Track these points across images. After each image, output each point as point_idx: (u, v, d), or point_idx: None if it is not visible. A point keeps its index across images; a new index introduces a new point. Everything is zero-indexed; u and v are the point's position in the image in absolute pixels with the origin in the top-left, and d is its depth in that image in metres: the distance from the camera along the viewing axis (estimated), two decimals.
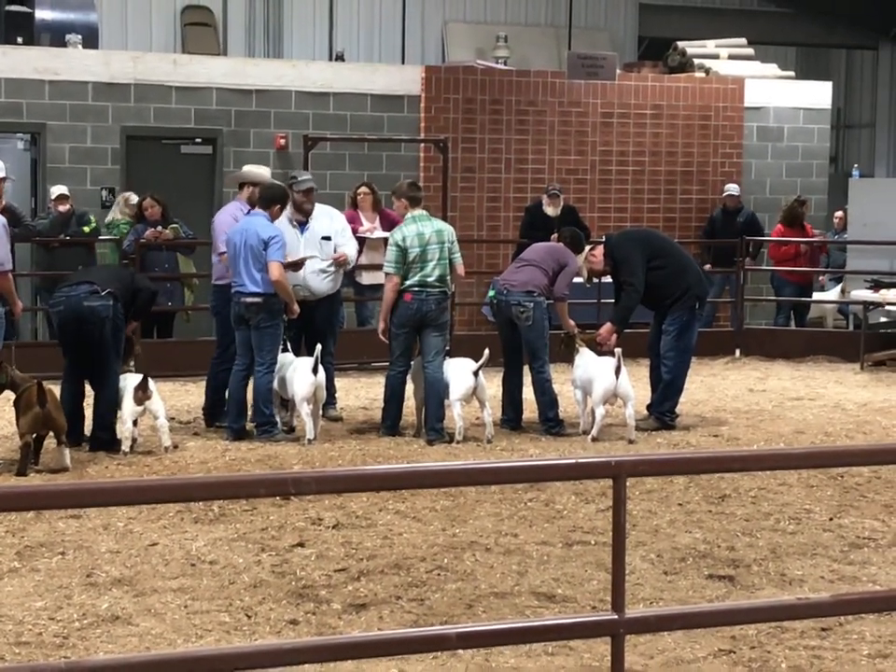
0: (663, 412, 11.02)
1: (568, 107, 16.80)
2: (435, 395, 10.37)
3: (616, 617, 4.46)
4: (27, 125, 14.95)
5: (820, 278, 17.73)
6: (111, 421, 9.83)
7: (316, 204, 11.01)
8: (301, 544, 7.37)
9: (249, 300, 10.25)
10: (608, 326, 10.99)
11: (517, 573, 6.93)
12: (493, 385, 11.13)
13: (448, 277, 10.53)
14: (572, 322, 11.03)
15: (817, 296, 17.14)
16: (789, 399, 12.55)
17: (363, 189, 14.05)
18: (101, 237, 14.12)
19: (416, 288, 10.38)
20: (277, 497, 7.99)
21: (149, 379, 9.69)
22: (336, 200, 13.82)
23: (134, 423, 9.72)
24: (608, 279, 11.62)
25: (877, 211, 16.05)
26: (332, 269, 10.88)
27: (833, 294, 17.04)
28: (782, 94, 17.89)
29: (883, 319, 15.88)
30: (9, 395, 9.41)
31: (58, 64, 14.88)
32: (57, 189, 13.95)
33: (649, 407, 11.13)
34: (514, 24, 20.97)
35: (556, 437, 10.57)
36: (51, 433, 9.18)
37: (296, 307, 10.31)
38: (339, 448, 9.98)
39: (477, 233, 16.38)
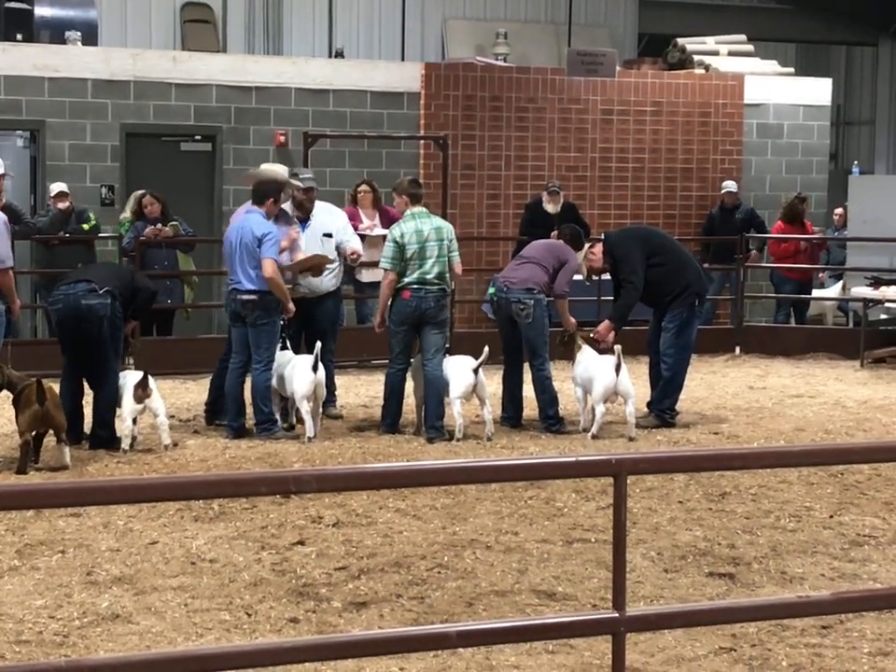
0: (663, 409, 11.02)
1: (568, 104, 16.79)
2: (435, 393, 10.37)
3: (617, 615, 4.45)
4: (27, 122, 14.94)
5: (820, 275, 17.73)
6: (111, 419, 9.83)
7: (316, 202, 11.01)
8: (301, 542, 7.37)
9: (245, 297, 10.25)
10: (606, 323, 11.00)
11: (517, 571, 6.93)
12: (493, 383, 11.13)
13: (447, 275, 10.53)
14: (573, 319, 11.03)
15: (817, 293, 17.13)
16: (789, 397, 12.54)
17: (363, 186, 14.05)
18: (100, 234, 14.12)
19: (415, 286, 10.38)
20: (277, 496, 7.99)
21: (149, 377, 9.69)
22: (336, 197, 13.81)
23: (134, 421, 9.71)
24: (607, 276, 11.62)
25: (877, 208, 16.04)
26: (334, 266, 10.88)
27: (833, 291, 17.04)
28: (782, 91, 17.88)
29: (883, 316, 15.87)
30: (8, 393, 9.41)
31: (57, 61, 14.87)
32: (56, 187, 13.94)
33: (649, 404, 11.13)
34: (514, 21, 20.96)
35: (556, 435, 10.56)
36: (51, 431, 9.17)
37: (291, 306, 10.28)
38: (339, 446, 9.98)
39: (477, 231, 16.38)
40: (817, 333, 15.93)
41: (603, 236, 11.66)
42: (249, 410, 10.46)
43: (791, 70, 19.48)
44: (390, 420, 10.60)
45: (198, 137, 15.67)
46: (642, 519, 7.89)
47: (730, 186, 16.63)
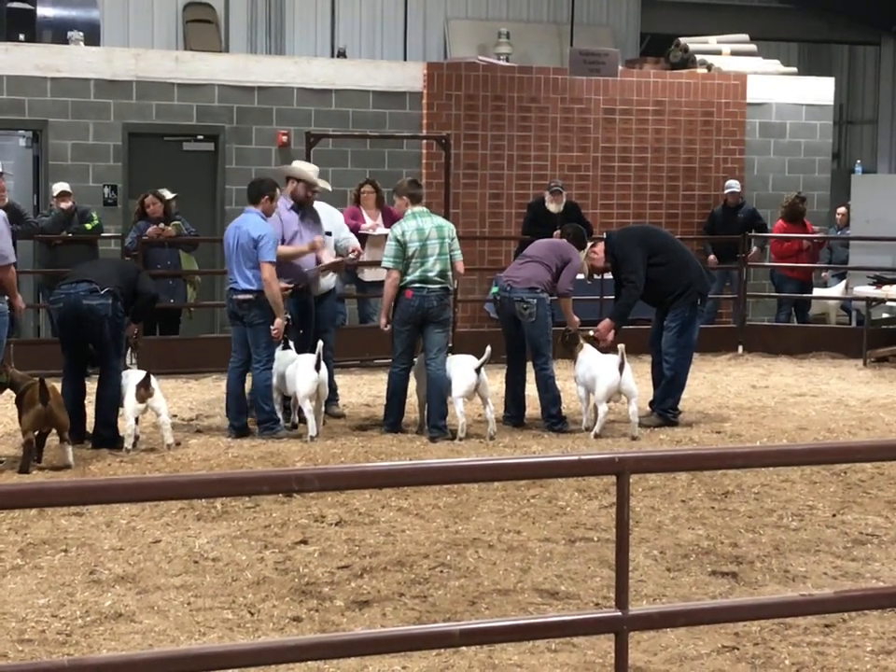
0: (665, 408, 11.02)
1: (571, 104, 16.78)
2: (437, 392, 10.37)
3: (620, 614, 4.45)
4: (29, 122, 14.95)
5: (823, 274, 17.72)
6: (113, 418, 9.84)
7: (315, 202, 11.04)
8: (303, 541, 7.37)
9: (241, 297, 10.26)
10: (606, 322, 11.00)
11: (520, 570, 6.93)
12: (495, 382, 11.13)
13: (449, 273, 10.53)
14: (576, 318, 11.02)
15: (820, 292, 17.12)
16: (791, 396, 12.54)
17: (367, 186, 14.06)
18: (103, 234, 14.12)
19: (417, 285, 10.38)
20: (280, 495, 7.99)
21: (151, 376, 9.69)
22: (339, 197, 13.81)
23: (136, 420, 9.71)
24: (609, 275, 11.62)
25: (880, 207, 16.03)
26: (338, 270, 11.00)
27: (836, 290, 17.03)
28: (785, 90, 17.87)
29: (886, 315, 15.87)
30: (11, 393, 9.42)
31: (60, 61, 14.88)
32: (59, 187, 13.94)
33: (651, 403, 11.13)
34: (516, 21, 20.96)
35: (559, 434, 10.56)
36: (54, 430, 9.18)
37: (279, 319, 10.20)
38: (341, 445, 9.98)
39: (479, 230, 16.38)
40: (819, 332, 15.92)
41: (605, 235, 11.66)
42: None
43: (794, 69, 19.47)
44: (393, 419, 10.60)
45: (200, 137, 15.68)
46: (645, 518, 7.89)
47: (733, 185, 16.62)
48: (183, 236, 13.78)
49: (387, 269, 10.51)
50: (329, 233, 10.98)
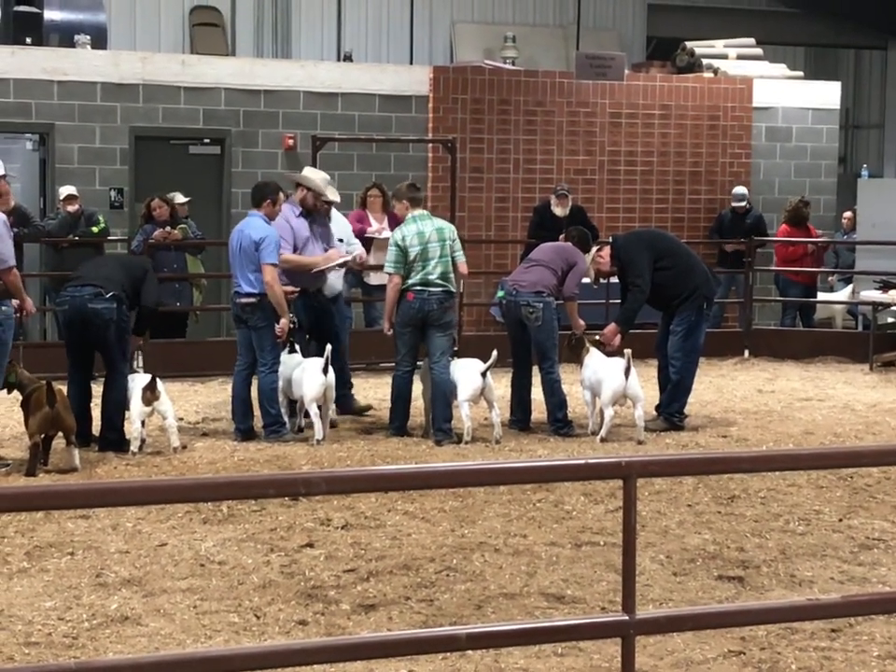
0: (671, 412, 11.01)
1: (577, 108, 16.79)
2: (442, 395, 10.36)
3: (627, 618, 4.45)
4: (36, 125, 14.97)
5: (829, 279, 17.71)
6: (119, 421, 9.84)
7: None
8: (309, 545, 7.37)
9: (245, 300, 10.28)
10: (612, 326, 10.99)
11: (526, 574, 6.92)
12: (501, 386, 11.13)
13: (451, 275, 10.53)
14: (582, 322, 11.02)
15: (826, 296, 17.11)
16: (798, 400, 12.53)
17: (373, 190, 14.06)
18: (109, 237, 14.14)
19: (418, 287, 10.39)
20: (286, 498, 7.99)
21: (157, 379, 9.70)
22: (345, 200, 13.79)
23: (143, 423, 9.72)
24: (615, 279, 11.62)
25: (886, 211, 16.02)
26: (342, 267, 11.03)
27: (842, 295, 17.01)
28: (791, 94, 17.86)
29: (891, 320, 15.84)
30: (18, 395, 9.43)
31: (66, 65, 14.90)
32: (66, 190, 13.96)
33: (657, 408, 11.12)
34: (522, 25, 20.96)
35: (565, 438, 10.55)
36: (60, 433, 9.18)
37: (284, 320, 10.22)
38: (347, 449, 9.98)
39: (485, 234, 16.38)
40: (826, 337, 15.90)
41: (611, 239, 11.65)
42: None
43: (800, 73, 19.46)
44: (398, 423, 10.60)
45: (206, 140, 15.69)
46: (651, 522, 7.88)
47: (739, 194, 16.54)
48: (189, 239, 13.79)
49: (389, 274, 10.53)
50: (341, 240, 11.07)
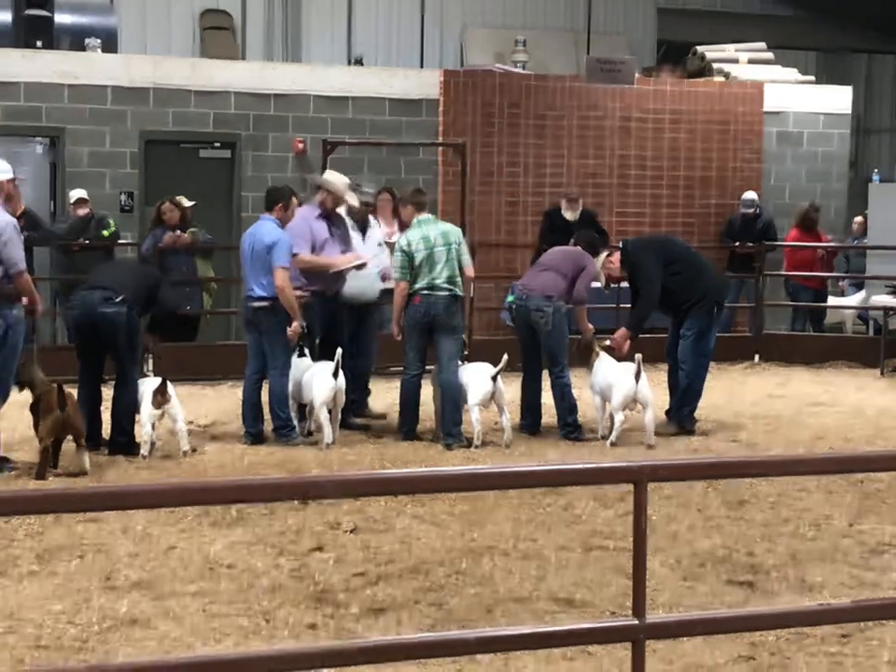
0: (682, 417, 11.00)
1: (587, 112, 16.78)
2: (451, 399, 10.36)
3: (637, 622, 4.44)
4: (46, 129, 14.99)
5: (840, 284, 17.67)
6: (129, 425, 9.85)
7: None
8: (319, 548, 7.37)
9: (257, 304, 10.29)
10: (622, 331, 10.97)
11: (536, 578, 6.91)
12: (511, 390, 11.12)
13: (458, 279, 10.52)
14: (591, 326, 11.01)
15: (837, 301, 17.07)
16: (808, 405, 12.50)
17: (383, 194, 14.04)
18: (120, 241, 14.16)
19: (425, 291, 10.41)
20: (295, 502, 7.99)
21: (167, 383, 9.70)
22: None
23: (153, 426, 9.72)
24: (626, 284, 11.60)
25: None
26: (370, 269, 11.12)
27: (853, 300, 16.98)
28: (802, 99, 17.84)
29: None
30: (27, 399, 9.45)
31: (77, 68, 14.93)
32: (76, 193, 13.99)
33: (668, 412, 11.11)
34: (533, 29, 20.96)
35: (575, 442, 10.55)
36: (70, 437, 9.19)
37: (296, 322, 10.23)
38: (357, 452, 9.98)
39: (495, 237, 16.37)
40: (836, 342, 15.88)
41: (621, 244, 11.64)
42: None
43: (812, 78, 19.42)
44: (407, 427, 10.60)
45: (217, 144, 15.71)
46: (661, 526, 7.87)
47: (749, 199, 16.51)
48: (199, 243, 13.81)
49: (395, 280, 10.53)
50: (381, 244, 11.16)
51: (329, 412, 10.19)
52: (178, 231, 13.58)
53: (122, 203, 15.16)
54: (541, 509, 8.27)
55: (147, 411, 9.65)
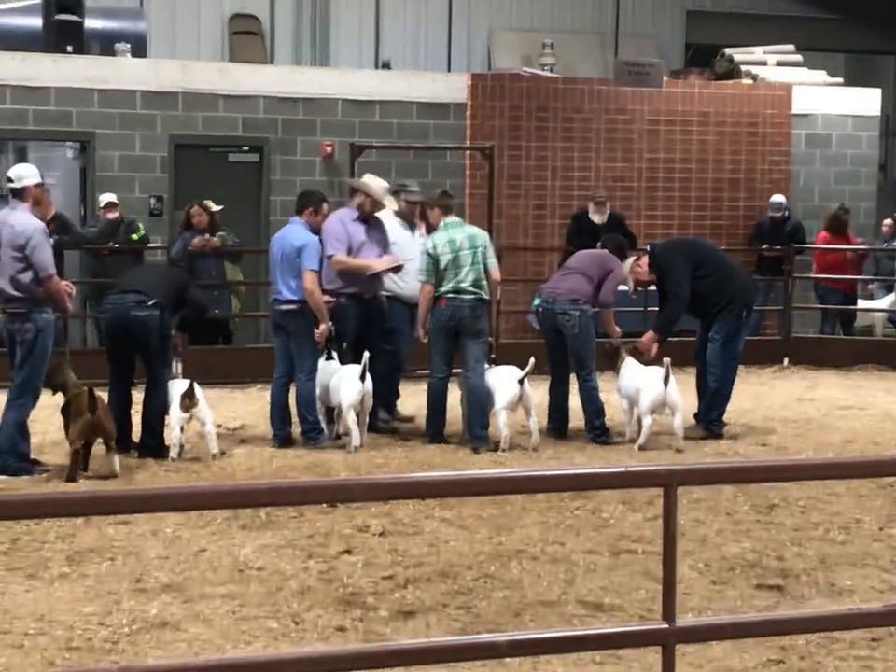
0: (710, 420, 10.97)
1: (615, 114, 16.76)
2: (477, 402, 10.36)
3: (667, 626, 4.43)
4: (76, 133, 15.07)
5: (870, 287, 17.60)
6: (159, 428, 9.89)
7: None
8: (348, 551, 7.38)
9: (284, 307, 10.32)
10: (649, 334, 10.94)
11: (564, 582, 6.91)
12: (539, 394, 11.11)
13: (484, 283, 10.52)
14: (618, 329, 10.99)
15: (867, 304, 16.99)
16: (837, 409, 12.45)
17: None
18: (149, 244, 14.22)
19: (450, 295, 10.41)
20: (324, 505, 8.01)
21: (196, 386, 9.74)
22: None
23: (181, 429, 9.76)
24: (653, 287, 11.58)
25: None
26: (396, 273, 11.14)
27: (883, 303, 16.90)
28: (831, 101, 17.78)
29: None
30: (58, 402, 9.50)
31: (107, 73, 15.00)
32: (106, 197, 14.06)
33: (696, 416, 11.08)
34: (560, 32, 20.94)
35: (603, 445, 10.53)
36: (100, 440, 9.23)
37: (324, 325, 10.25)
38: (385, 456, 9.99)
39: (522, 241, 16.37)
40: (866, 345, 15.81)
41: (649, 248, 11.62)
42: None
43: (840, 80, 19.35)
44: (434, 430, 10.60)
45: (245, 148, 15.76)
46: (690, 531, 7.85)
47: (777, 203, 16.46)
48: (228, 247, 13.85)
49: (421, 282, 10.54)
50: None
51: (357, 415, 10.20)
52: (207, 235, 13.63)
53: (152, 206, 15.21)
54: (569, 512, 8.26)
55: (175, 414, 9.69)
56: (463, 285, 10.40)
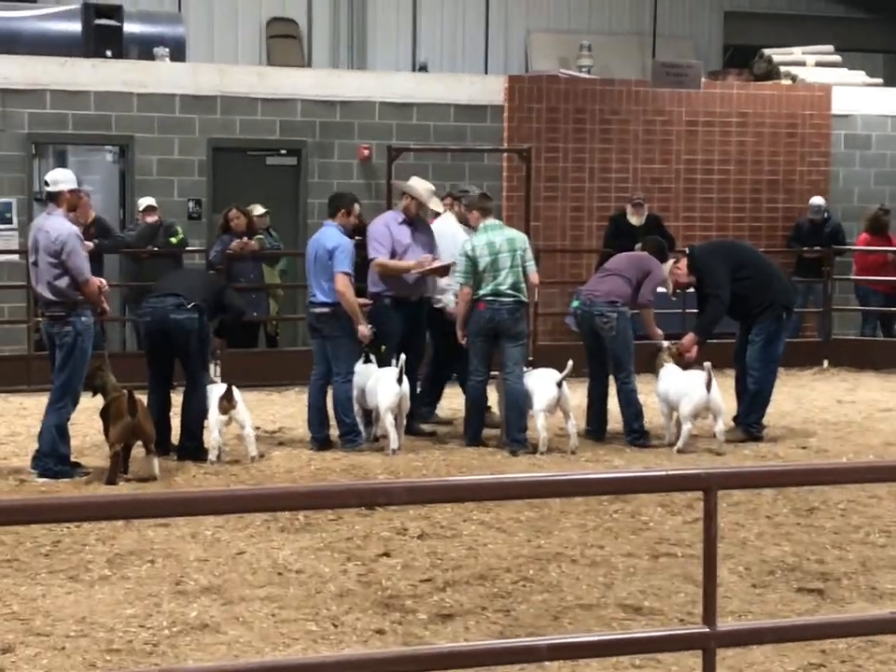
0: (750, 423, 10.92)
1: (653, 116, 16.70)
2: (515, 405, 10.35)
3: (708, 630, 4.41)
4: (116, 137, 15.14)
5: None
6: (198, 431, 9.93)
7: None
8: (386, 554, 7.39)
9: (318, 310, 10.34)
10: (690, 336, 10.88)
11: (603, 585, 6.89)
12: (577, 396, 11.09)
13: (523, 285, 10.49)
14: (659, 331, 10.93)
15: None
16: (878, 411, 12.37)
17: (447, 199, 14.07)
18: (188, 248, 14.28)
19: (489, 298, 10.39)
20: (362, 507, 8.01)
21: (234, 389, 9.77)
22: None
23: (220, 432, 9.78)
24: (692, 290, 11.52)
25: None
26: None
27: None
28: (870, 101, 17.66)
29: None
30: (97, 405, 9.55)
31: (146, 77, 15.07)
32: (145, 201, 14.13)
33: (735, 418, 11.03)
34: (598, 33, 20.89)
35: (641, 448, 10.50)
36: (140, 442, 9.28)
37: (362, 326, 10.25)
38: (423, 458, 9.99)
39: (560, 243, 16.34)
40: None
41: (688, 250, 11.57)
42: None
43: (880, 80, 19.21)
44: (472, 433, 10.60)
45: (283, 151, 15.79)
46: (730, 534, 7.81)
47: (816, 205, 16.35)
48: (266, 250, 13.90)
49: (460, 285, 10.53)
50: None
51: (395, 418, 10.21)
52: (245, 238, 13.67)
53: (190, 210, 15.27)
54: (608, 515, 8.24)
55: (213, 417, 9.72)
56: (502, 287, 10.39)
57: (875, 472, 5.38)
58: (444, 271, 10.89)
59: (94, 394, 9.55)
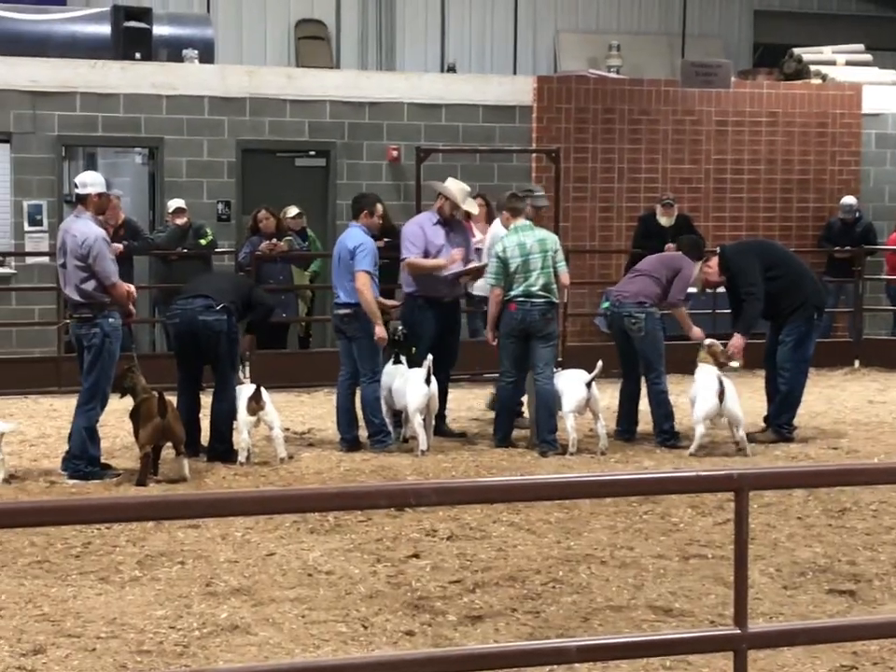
0: (780, 424, 10.86)
1: (682, 116, 16.66)
2: (545, 406, 10.33)
3: (739, 632, 4.39)
4: (145, 140, 15.20)
5: None
6: (228, 432, 9.94)
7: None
8: (416, 555, 7.38)
9: (342, 311, 10.34)
10: (737, 339, 10.68)
11: (633, 586, 6.87)
12: (606, 397, 11.06)
13: (554, 286, 10.47)
14: (697, 329, 10.84)
15: None
16: None
17: (477, 200, 14.07)
18: (217, 249, 14.31)
19: (521, 299, 10.37)
20: (392, 509, 8.01)
21: (262, 390, 9.78)
22: None
23: (249, 433, 9.80)
24: (722, 289, 11.48)
25: None
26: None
27: None
28: None
29: None
30: (127, 407, 9.58)
31: (175, 79, 15.12)
32: (174, 203, 14.17)
33: (766, 419, 10.98)
34: (627, 33, 20.85)
35: (671, 449, 10.46)
36: (170, 444, 9.30)
37: (380, 329, 10.23)
38: (452, 459, 9.99)
39: (589, 244, 16.31)
40: None
41: (719, 249, 11.52)
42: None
43: None
44: (502, 434, 10.58)
45: (312, 153, 15.82)
46: (760, 535, 7.78)
47: (847, 205, 16.27)
48: (295, 251, 13.93)
49: (491, 286, 10.52)
50: (478, 250, 11.12)
51: (423, 418, 10.20)
52: (274, 240, 13.70)
53: (219, 212, 15.32)
54: (638, 517, 8.22)
55: (242, 418, 9.74)
56: (533, 289, 10.36)
57: None
58: (479, 272, 10.89)
59: (122, 395, 9.57)
